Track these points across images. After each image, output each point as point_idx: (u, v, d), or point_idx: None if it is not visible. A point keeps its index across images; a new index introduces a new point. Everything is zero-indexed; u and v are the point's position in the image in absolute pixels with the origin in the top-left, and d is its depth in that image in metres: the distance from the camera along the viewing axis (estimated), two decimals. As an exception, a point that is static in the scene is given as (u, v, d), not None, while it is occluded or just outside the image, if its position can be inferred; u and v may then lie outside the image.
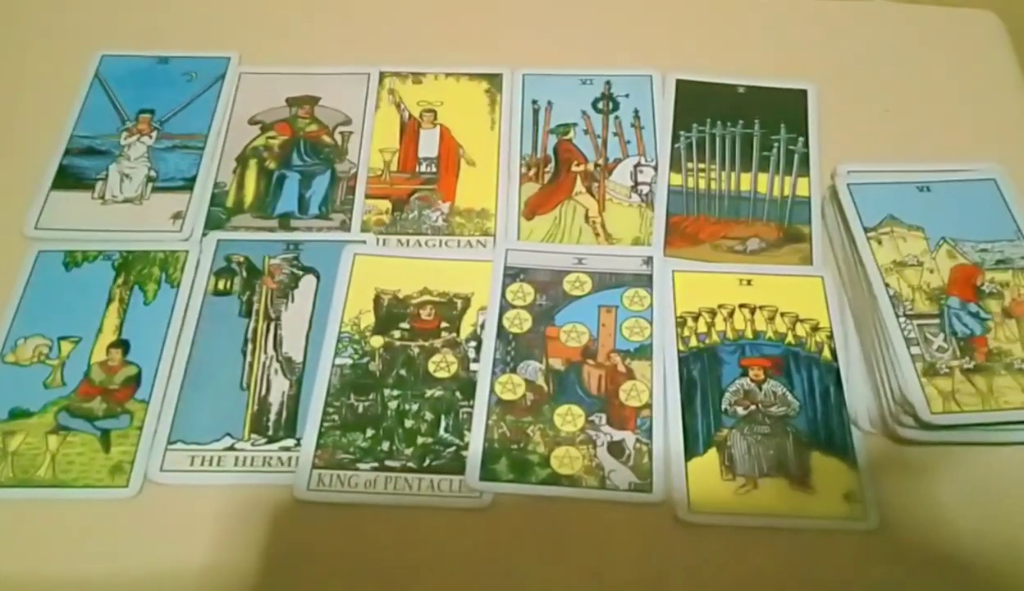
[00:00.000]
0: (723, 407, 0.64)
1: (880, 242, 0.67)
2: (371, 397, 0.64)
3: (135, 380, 0.65)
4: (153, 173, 0.75)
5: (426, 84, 0.81)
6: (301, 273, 0.70)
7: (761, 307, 0.68)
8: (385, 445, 0.62)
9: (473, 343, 0.67)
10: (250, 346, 0.67)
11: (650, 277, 0.69)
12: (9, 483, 0.61)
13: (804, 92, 0.80)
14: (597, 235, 0.73)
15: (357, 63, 0.82)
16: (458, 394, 0.65)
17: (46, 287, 0.69)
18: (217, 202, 0.74)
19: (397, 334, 0.67)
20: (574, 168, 0.76)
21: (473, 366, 0.66)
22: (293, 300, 0.69)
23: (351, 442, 0.62)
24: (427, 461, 0.62)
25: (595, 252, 0.71)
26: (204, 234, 0.72)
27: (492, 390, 0.64)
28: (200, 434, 0.63)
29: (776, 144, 0.77)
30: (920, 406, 0.59)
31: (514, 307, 0.68)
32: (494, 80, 0.81)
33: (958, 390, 0.60)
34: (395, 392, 0.65)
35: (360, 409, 0.64)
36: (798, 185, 0.75)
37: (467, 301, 0.69)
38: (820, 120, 0.78)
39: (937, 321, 0.63)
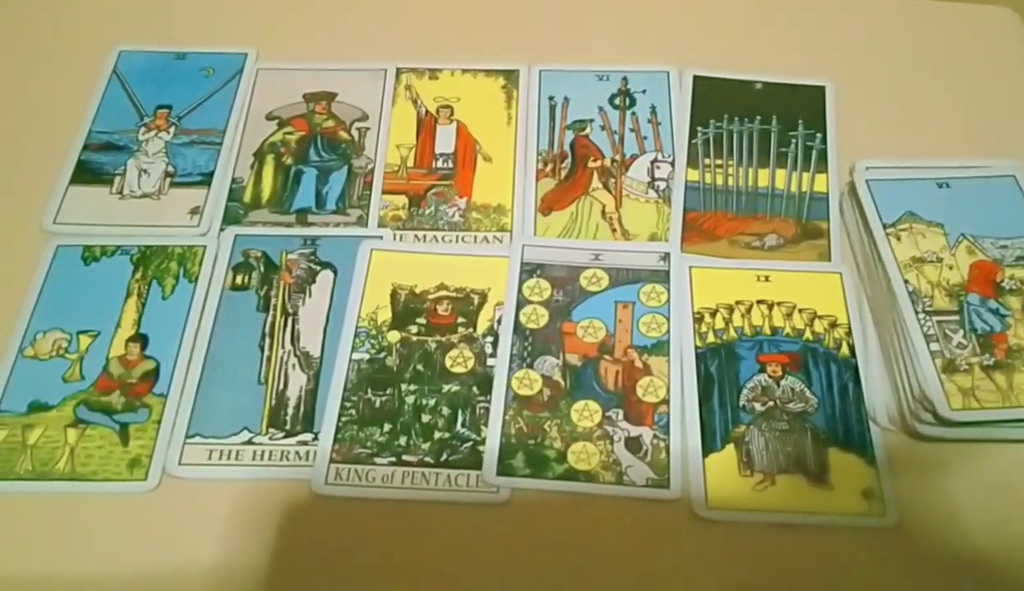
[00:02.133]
0: (741, 403, 0.63)
1: (899, 238, 0.67)
2: (388, 392, 0.64)
3: (153, 374, 0.65)
4: (171, 168, 0.75)
5: (443, 80, 0.81)
6: (318, 268, 0.70)
7: (779, 303, 0.68)
8: (402, 440, 0.62)
9: (490, 338, 0.67)
10: (267, 341, 0.67)
11: (667, 273, 0.69)
12: (28, 476, 0.61)
13: (822, 88, 0.79)
14: (614, 231, 0.72)
15: (374, 59, 0.82)
16: (475, 389, 0.65)
17: (64, 281, 0.69)
18: (234, 197, 0.74)
19: (414, 329, 0.67)
20: (590, 164, 0.76)
21: (490, 361, 0.66)
22: (310, 295, 0.69)
23: (368, 437, 0.62)
24: (444, 456, 0.62)
25: (612, 248, 0.71)
26: (221, 229, 0.72)
27: (509, 385, 0.64)
28: (218, 428, 0.63)
29: (794, 140, 0.76)
30: (939, 402, 0.59)
31: (531, 303, 0.68)
32: (511, 76, 0.81)
33: (977, 387, 0.60)
34: (412, 387, 0.65)
35: (377, 404, 0.64)
36: (816, 181, 0.74)
37: (484, 297, 0.69)
38: (838, 116, 0.78)
39: (956, 317, 0.63)
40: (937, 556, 0.58)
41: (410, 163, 0.76)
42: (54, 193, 0.74)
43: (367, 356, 0.66)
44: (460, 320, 0.68)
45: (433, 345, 0.67)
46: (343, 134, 0.78)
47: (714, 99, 0.79)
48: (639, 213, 0.73)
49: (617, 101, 0.80)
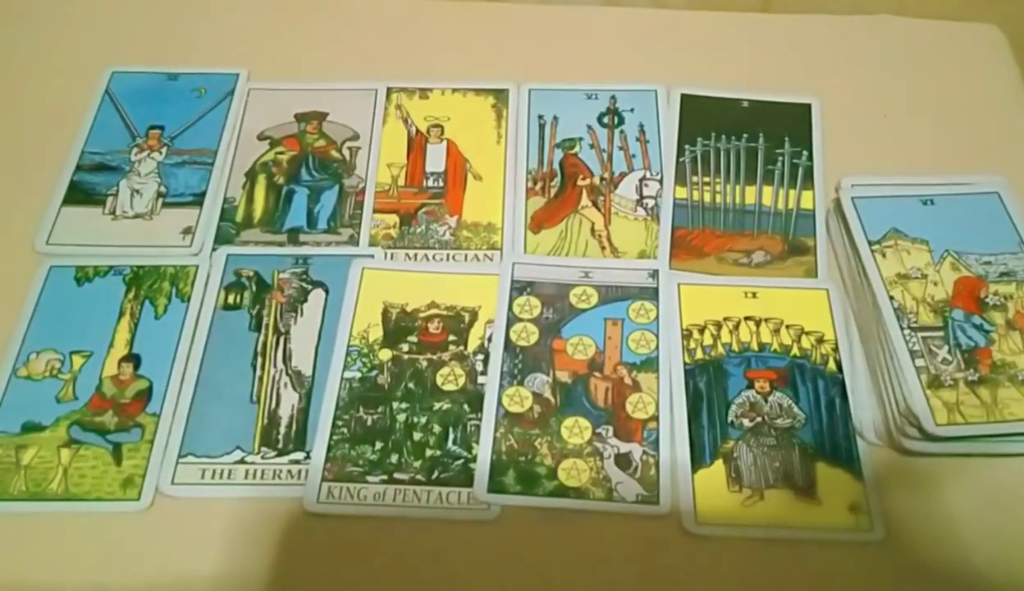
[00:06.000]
0: (729, 419, 0.64)
1: (884, 255, 0.67)
2: (380, 410, 0.65)
3: (146, 394, 0.65)
4: (163, 188, 0.76)
5: (433, 99, 0.82)
6: (310, 287, 0.70)
7: (766, 319, 0.68)
8: (394, 458, 0.63)
9: (480, 356, 0.67)
10: (260, 360, 0.67)
11: (656, 290, 0.70)
12: (22, 496, 0.61)
13: (808, 106, 0.80)
14: (603, 248, 0.73)
15: (364, 79, 0.83)
16: (466, 407, 0.65)
17: (57, 302, 0.70)
18: (227, 217, 0.74)
19: (405, 347, 0.68)
20: (580, 182, 0.77)
21: (481, 379, 0.66)
22: (302, 314, 0.69)
23: (360, 455, 0.63)
24: (435, 473, 0.62)
25: (601, 265, 0.72)
26: (214, 249, 0.73)
27: (499, 403, 0.65)
28: (211, 447, 0.63)
29: (780, 157, 0.77)
30: (925, 418, 0.60)
31: (521, 320, 0.69)
32: (500, 95, 0.82)
33: (962, 402, 0.61)
34: (403, 405, 0.65)
35: (369, 422, 0.64)
36: (802, 198, 0.75)
37: (474, 314, 0.69)
38: (824, 133, 0.78)
39: (941, 333, 0.64)
40: (924, 570, 0.59)
41: (401, 182, 0.77)
42: (47, 214, 0.74)
43: (359, 374, 0.66)
44: (451, 338, 0.68)
45: (424, 363, 0.67)
46: (334, 153, 0.78)
47: (701, 117, 0.80)
48: (628, 230, 0.74)
49: (606, 119, 0.80)
